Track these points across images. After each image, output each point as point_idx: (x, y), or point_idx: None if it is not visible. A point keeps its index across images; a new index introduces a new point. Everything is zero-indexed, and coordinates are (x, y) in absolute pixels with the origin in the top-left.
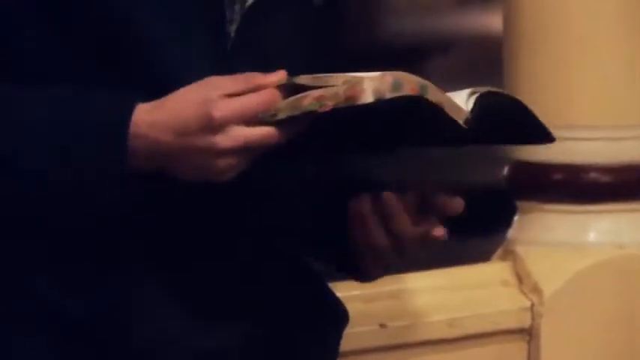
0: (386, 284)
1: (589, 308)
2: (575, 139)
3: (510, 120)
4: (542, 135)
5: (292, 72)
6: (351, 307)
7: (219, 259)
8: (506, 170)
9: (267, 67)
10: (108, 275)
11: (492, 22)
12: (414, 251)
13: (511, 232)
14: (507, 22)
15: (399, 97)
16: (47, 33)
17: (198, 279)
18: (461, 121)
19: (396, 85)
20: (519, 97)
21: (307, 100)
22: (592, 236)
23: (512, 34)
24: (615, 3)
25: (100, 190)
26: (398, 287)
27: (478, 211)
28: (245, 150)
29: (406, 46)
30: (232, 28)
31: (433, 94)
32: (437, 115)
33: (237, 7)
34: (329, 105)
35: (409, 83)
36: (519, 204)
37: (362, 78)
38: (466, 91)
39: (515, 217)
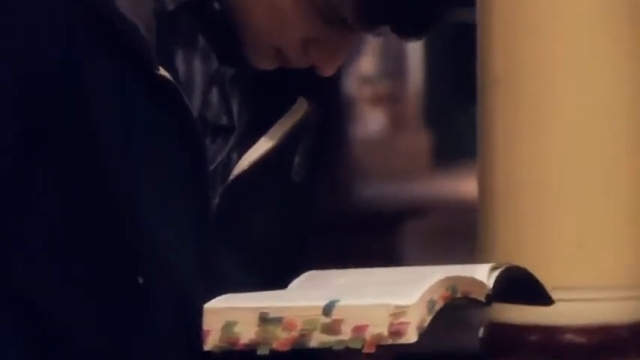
0: None
1: None
2: None
3: (519, 286)
4: (544, 299)
5: (271, 241)
6: None
7: None
8: (481, 331)
9: (248, 239)
10: None
11: (467, 188)
12: None
13: None
14: (482, 187)
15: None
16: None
17: None
18: (482, 298)
19: (431, 305)
20: (495, 261)
21: (345, 334)
22: None
23: (486, 200)
24: (578, 171)
25: None
26: None
27: None
28: None
29: (383, 211)
30: (215, 202)
31: (462, 287)
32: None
33: (219, 184)
34: (371, 345)
35: (439, 291)
36: None
37: (404, 310)
38: (488, 266)
39: None
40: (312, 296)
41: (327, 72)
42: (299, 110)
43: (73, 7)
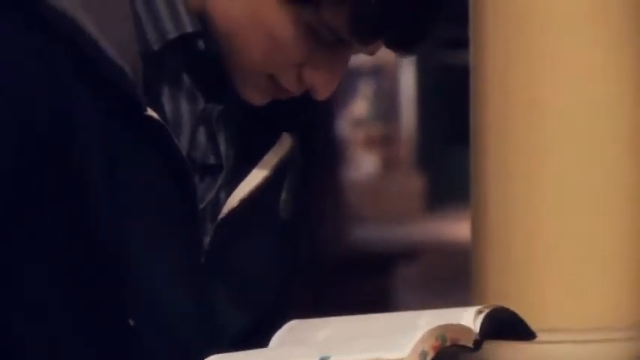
0: None
1: None
2: (542, 342)
3: (504, 325)
4: (527, 334)
5: (265, 281)
6: None
7: None
8: None
9: (239, 277)
10: None
11: (460, 231)
12: None
13: None
14: (474, 230)
15: None
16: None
17: None
18: (470, 344)
19: (423, 356)
20: (487, 303)
21: None
22: None
23: (478, 243)
24: (571, 215)
25: None
26: None
27: None
28: None
29: (376, 253)
30: (206, 241)
31: (450, 334)
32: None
33: (209, 223)
34: None
35: (430, 341)
36: None
37: None
38: (473, 310)
39: None
40: (303, 353)
41: (323, 95)
42: (284, 146)
43: (59, 52)
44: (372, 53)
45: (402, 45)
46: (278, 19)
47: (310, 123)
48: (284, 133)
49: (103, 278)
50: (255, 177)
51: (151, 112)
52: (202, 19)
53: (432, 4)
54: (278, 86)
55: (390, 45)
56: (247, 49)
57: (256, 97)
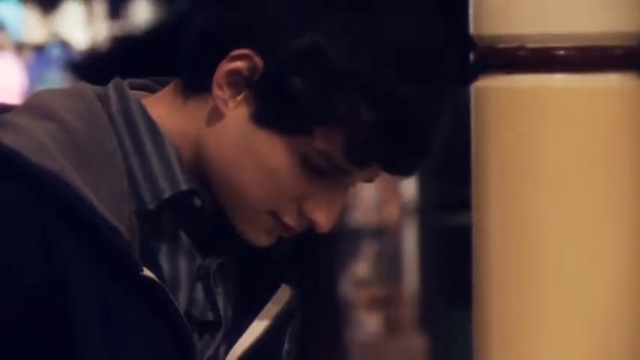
0: None
1: None
2: None
3: None
4: None
5: None
6: None
7: None
8: None
9: None
10: None
11: None
12: None
13: None
14: None
15: None
16: None
17: None
18: None
19: None
20: None
21: None
22: None
23: None
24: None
25: None
26: None
27: None
28: None
29: None
30: None
31: None
32: None
33: None
34: None
35: None
36: None
37: None
38: None
39: None
40: None
41: (325, 226)
42: (283, 296)
43: (51, 213)
44: (370, 180)
45: (398, 169)
46: (272, 151)
47: (309, 273)
48: (282, 284)
49: None
50: (255, 330)
51: (147, 272)
52: (199, 167)
53: (426, 128)
54: (280, 223)
55: (386, 169)
56: (245, 187)
57: (261, 237)
